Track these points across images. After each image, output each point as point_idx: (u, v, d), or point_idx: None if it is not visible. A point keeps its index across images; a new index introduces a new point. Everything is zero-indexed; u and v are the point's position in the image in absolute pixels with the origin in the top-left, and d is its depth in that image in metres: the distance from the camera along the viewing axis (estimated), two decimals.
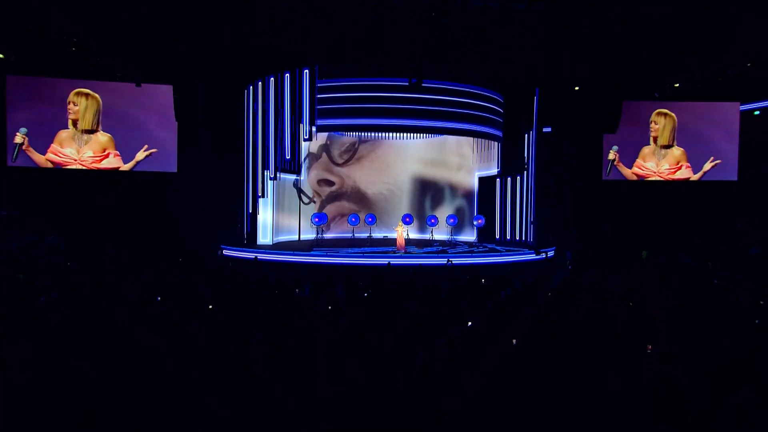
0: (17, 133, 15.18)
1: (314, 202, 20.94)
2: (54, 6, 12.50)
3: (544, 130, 19.09)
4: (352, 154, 21.73)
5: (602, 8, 13.09)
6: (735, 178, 19.18)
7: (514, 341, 6.30)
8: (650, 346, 5.79)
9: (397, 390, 5.13)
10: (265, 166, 17.22)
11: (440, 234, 20.29)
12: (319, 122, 16.68)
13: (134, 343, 6.53)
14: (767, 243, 15.49)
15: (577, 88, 18.63)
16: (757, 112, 19.39)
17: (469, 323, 7.08)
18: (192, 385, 5.27)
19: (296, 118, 16.74)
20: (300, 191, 20.04)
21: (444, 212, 21.17)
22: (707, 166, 19.01)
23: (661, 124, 18.89)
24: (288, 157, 16.84)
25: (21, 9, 12.28)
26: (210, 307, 9.21)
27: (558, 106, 18.77)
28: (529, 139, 18.89)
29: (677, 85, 18.25)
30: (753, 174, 18.79)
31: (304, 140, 16.88)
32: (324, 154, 21.39)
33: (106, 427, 4.32)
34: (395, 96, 16.66)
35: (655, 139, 18.88)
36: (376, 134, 19.82)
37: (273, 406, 4.95)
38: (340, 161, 21.69)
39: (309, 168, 20.86)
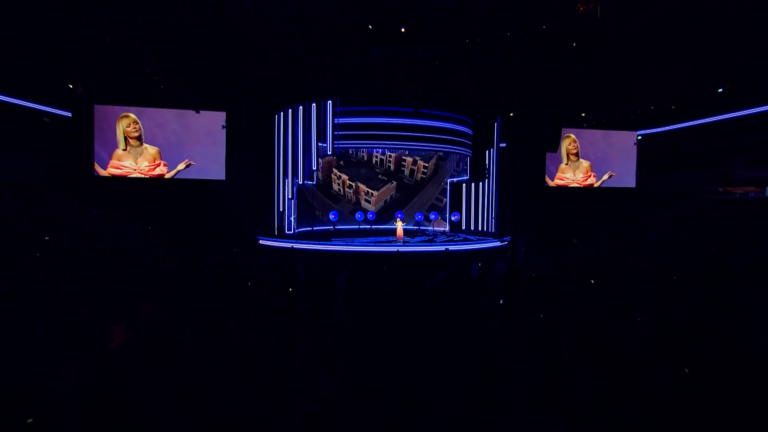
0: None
1: None
2: (142, 49, 12.64)
3: (501, 145, 20.55)
4: None
5: (566, 67, 14.75)
6: (634, 185, 21.40)
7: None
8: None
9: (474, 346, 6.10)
10: (295, 175, 17.74)
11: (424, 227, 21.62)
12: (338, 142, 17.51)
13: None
14: (660, 231, 17.62)
15: (511, 114, 20.11)
16: (639, 137, 21.71)
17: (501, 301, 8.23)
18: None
19: (319, 138, 17.36)
20: None
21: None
22: (605, 177, 21.44)
23: (577, 143, 20.90)
24: (314, 168, 17.50)
25: (111, 50, 12.33)
26: (290, 289, 9.64)
27: (514, 130, 20.30)
28: (491, 154, 20.27)
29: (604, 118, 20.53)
30: (645, 182, 21.23)
31: (327, 155, 17.50)
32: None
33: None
34: (397, 120, 17.64)
35: (569, 156, 20.94)
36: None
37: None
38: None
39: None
